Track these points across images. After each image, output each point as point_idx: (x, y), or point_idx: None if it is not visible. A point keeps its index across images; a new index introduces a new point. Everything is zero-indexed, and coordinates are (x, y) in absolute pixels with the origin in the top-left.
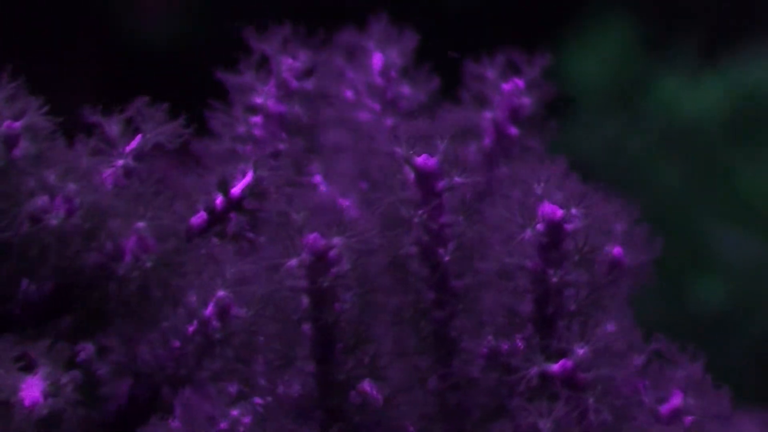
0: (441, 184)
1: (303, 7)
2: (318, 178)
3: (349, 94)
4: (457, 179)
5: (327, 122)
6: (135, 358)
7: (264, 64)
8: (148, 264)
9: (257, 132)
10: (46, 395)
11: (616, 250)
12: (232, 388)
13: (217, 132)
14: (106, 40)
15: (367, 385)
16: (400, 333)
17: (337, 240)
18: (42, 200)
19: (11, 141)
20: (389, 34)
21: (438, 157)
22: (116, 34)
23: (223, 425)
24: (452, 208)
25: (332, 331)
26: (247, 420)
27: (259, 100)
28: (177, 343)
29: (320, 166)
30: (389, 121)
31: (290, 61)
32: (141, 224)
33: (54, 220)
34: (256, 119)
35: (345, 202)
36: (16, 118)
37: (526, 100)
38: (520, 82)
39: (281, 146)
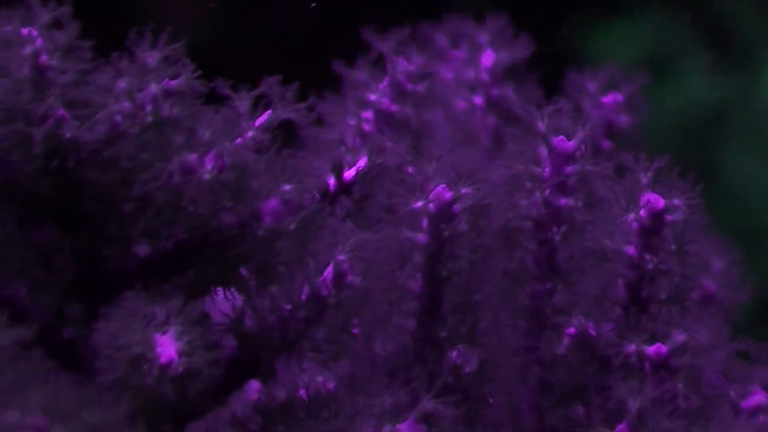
0: (571, 168)
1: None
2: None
3: (449, 76)
4: (589, 167)
5: (428, 99)
6: (242, 320)
7: (379, 63)
8: (292, 226)
9: (367, 127)
10: (181, 354)
11: (711, 286)
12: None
13: (329, 122)
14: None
15: (461, 350)
16: (497, 303)
17: (465, 190)
18: (192, 156)
19: (166, 98)
20: (505, 35)
21: (575, 142)
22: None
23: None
24: (575, 193)
25: (443, 287)
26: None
27: (373, 97)
28: (288, 308)
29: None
30: (491, 120)
31: (406, 63)
32: (288, 187)
33: (206, 175)
34: (368, 114)
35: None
36: (172, 78)
37: (624, 117)
38: (619, 97)
39: (387, 143)
